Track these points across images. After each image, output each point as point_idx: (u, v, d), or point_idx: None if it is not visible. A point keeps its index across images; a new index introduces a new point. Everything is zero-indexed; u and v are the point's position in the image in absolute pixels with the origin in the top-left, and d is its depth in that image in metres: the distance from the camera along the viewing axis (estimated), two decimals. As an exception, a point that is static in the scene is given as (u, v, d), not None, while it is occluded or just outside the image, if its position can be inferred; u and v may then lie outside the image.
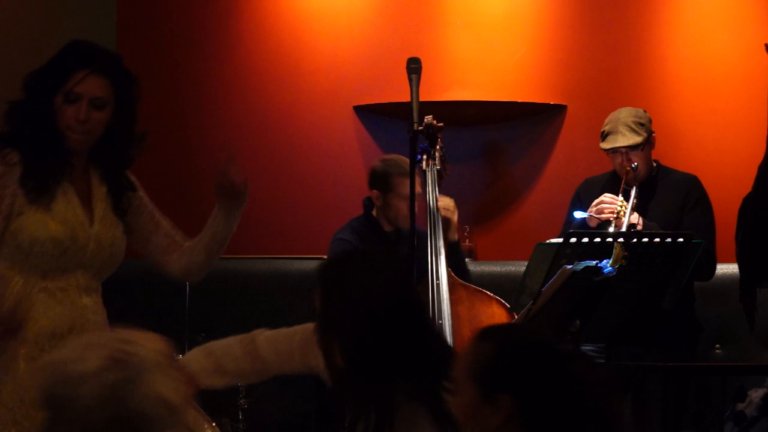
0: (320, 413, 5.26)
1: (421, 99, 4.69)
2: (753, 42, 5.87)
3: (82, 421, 2.07)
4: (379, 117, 6.36)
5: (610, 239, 4.37)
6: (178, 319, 5.31)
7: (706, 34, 6.16)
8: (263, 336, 3.14)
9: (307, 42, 6.45)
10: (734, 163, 5.92)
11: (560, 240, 4.44)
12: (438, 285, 4.88)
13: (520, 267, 5.16)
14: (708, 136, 6.14)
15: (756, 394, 4.43)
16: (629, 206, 4.96)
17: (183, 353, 4.95)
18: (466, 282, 5.05)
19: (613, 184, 5.11)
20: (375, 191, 5.21)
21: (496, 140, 6.34)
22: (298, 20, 6.47)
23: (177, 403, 2.14)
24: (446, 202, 5.07)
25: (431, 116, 4.97)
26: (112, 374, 2.08)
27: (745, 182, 4.37)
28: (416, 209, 4.58)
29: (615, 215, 4.94)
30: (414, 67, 4.71)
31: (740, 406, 4.37)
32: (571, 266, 4.10)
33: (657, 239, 4.43)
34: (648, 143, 5.09)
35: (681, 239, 4.47)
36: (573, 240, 4.38)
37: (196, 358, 3.12)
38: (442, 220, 5.04)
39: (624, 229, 4.86)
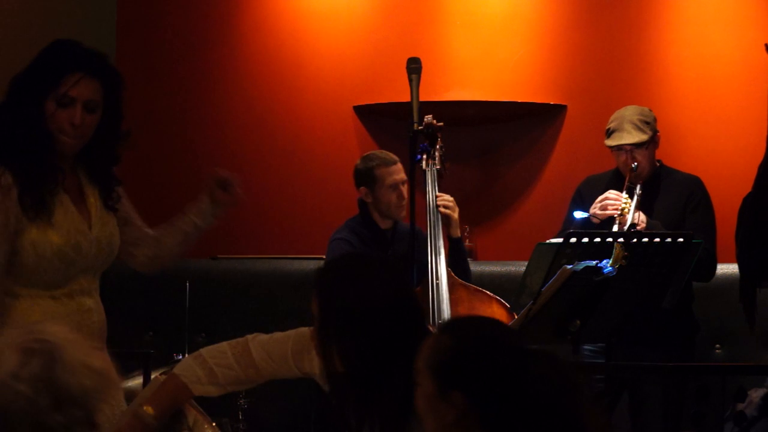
0: (320, 413, 5.26)
1: (421, 99, 4.69)
2: (753, 42, 5.87)
3: (30, 416, 2.09)
4: (379, 117, 6.36)
5: (610, 239, 4.37)
6: (178, 319, 5.31)
7: (706, 34, 6.16)
8: (256, 341, 3.11)
9: (307, 42, 6.45)
10: (734, 163, 5.92)
11: (560, 240, 4.44)
12: (438, 285, 4.89)
13: (520, 267, 5.16)
14: (708, 136, 6.14)
15: (756, 394, 4.42)
16: (633, 204, 4.96)
17: (183, 353, 4.98)
18: (466, 281, 5.05)
19: (617, 182, 5.10)
20: (362, 188, 5.23)
21: (496, 140, 6.34)
22: (298, 20, 6.47)
23: (106, 370, 2.17)
24: (445, 199, 5.08)
25: (431, 116, 4.98)
26: (34, 362, 2.10)
27: (745, 182, 4.37)
28: (415, 209, 4.59)
29: (619, 212, 4.94)
30: (414, 67, 4.72)
31: (740, 406, 4.37)
32: (571, 266, 4.10)
33: (657, 239, 4.43)
34: (653, 142, 5.09)
35: (681, 239, 4.47)
36: (573, 240, 4.38)
37: (189, 367, 3.09)
38: (443, 217, 5.05)
39: (627, 227, 4.86)
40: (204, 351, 3.13)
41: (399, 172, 5.19)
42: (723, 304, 5.41)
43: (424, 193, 5.04)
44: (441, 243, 4.97)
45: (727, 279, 5.21)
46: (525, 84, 6.29)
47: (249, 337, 3.13)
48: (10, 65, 3.45)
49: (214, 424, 3.17)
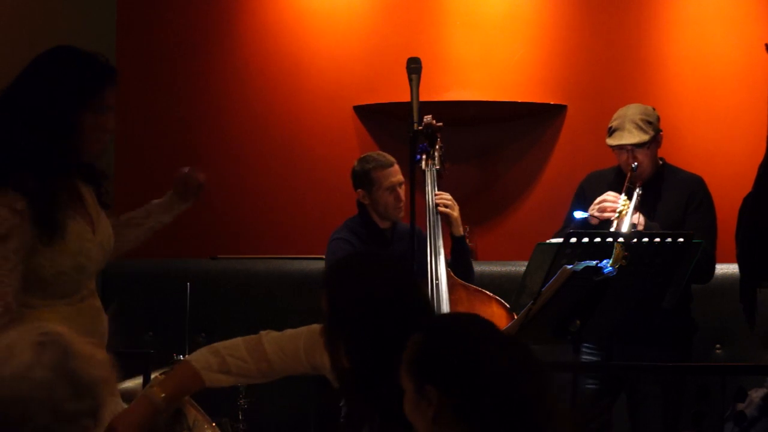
0: (320, 413, 5.26)
1: (421, 99, 4.69)
2: (753, 41, 5.87)
3: (49, 404, 2.12)
4: (379, 117, 6.36)
5: (610, 239, 4.36)
6: (178, 319, 5.31)
7: (706, 33, 6.16)
8: (269, 337, 3.15)
9: (307, 42, 6.45)
10: (734, 163, 5.92)
11: (560, 240, 4.44)
12: (437, 285, 4.89)
13: (520, 267, 5.16)
14: (708, 135, 6.14)
15: (756, 394, 4.43)
16: (631, 205, 4.94)
17: (183, 353, 4.98)
18: (468, 280, 5.05)
19: (620, 180, 5.07)
20: (360, 191, 5.23)
21: (496, 140, 6.34)
22: (298, 20, 6.47)
23: (109, 363, 2.23)
24: (443, 197, 5.07)
25: (431, 116, 4.98)
26: (49, 353, 2.14)
27: (745, 182, 4.37)
28: (415, 209, 4.59)
29: (616, 214, 4.92)
30: (414, 67, 4.72)
31: (740, 406, 4.37)
32: (571, 266, 4.09)
33: (657, 239, 4.43)
34: (655, 141, 5.06)
35: (681, 239, 4.47)
36: (573, 240, 4.37)
37: (202, 355, 3.13)
38: (443, 216, 5.05)
39: (625, 228, 4.85)
40: (218, 343, 3.17)
41: (396, 174, 5.19)
42: (723, 304, 5.41)
43: (424, 193, 5.04)
44: (440, 243, 4.97)
45: (727, 279, 5.22)
46: (525, 84, 6.29)
47: (262, 333, 3.17)
48: (10, 65, 3.44)
49: (214, 424, 3.18)
